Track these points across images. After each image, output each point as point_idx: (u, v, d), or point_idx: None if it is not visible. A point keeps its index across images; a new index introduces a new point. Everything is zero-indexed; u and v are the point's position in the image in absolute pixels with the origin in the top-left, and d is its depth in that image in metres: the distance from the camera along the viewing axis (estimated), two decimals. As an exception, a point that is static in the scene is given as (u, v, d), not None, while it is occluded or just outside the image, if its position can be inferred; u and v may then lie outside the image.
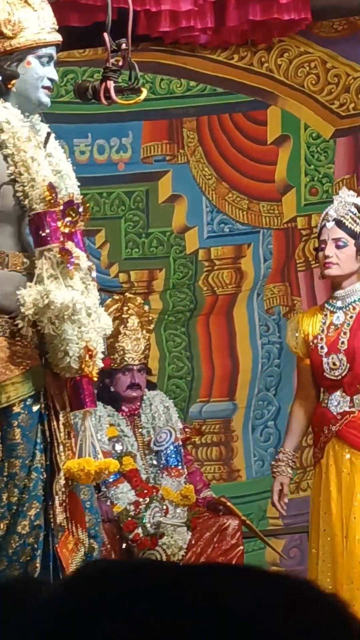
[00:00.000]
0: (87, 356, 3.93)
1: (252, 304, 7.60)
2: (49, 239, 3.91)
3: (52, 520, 3.97)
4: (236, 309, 7.59)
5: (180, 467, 6.18)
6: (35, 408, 3.97)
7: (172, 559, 5.89)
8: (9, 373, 3.95)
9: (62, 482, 3.95)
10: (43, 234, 3.91)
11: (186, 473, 6.22)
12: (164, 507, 5.95)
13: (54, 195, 3.92)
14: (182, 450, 6.30)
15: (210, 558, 6.11)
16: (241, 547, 6.32)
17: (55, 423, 3.98)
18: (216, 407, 7.58)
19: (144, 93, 4.43)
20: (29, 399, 3.98)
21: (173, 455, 6.19)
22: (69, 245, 3.96)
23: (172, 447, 6.19)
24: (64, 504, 3.98)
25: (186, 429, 6.48)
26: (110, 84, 4.13)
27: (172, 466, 6.15)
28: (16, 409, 3.94)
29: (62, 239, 3.95)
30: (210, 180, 7.50)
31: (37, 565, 3.94)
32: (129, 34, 4.20)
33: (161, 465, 6.13)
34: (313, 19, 7.12)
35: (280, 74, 7.48)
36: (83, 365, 3.90)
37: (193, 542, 6.07)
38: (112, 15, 4.34)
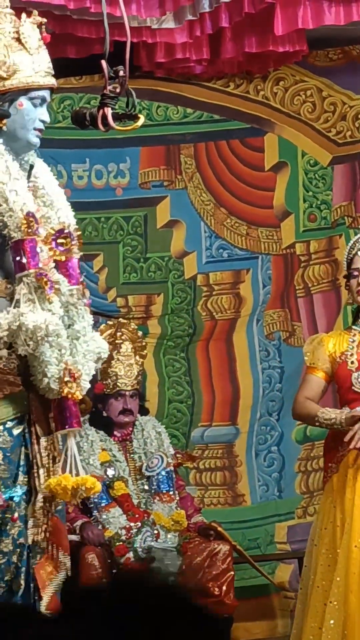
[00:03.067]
0: (70, 377, 3.90)
1: (252, 329, 7.60)
2: (27, 265, 3.89)
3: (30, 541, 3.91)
4: (235, 334, 7.58)
5: (171, 493, 6.20)
6: (16, 431, 3.94)
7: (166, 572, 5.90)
8: None
9: (39, 504, 3.90)
10: (22, 261, 3.88)
11: (177, 498, 6.24)
12: (155, 531, 5.96)
13: (32, 223, 3.90)
14: (174, 476, 6.31)
15: (201, 583, 6.10)
16: (232, 572, 6.30)
17: (37, 447, 3.93)
18: (218, 431, 7.56)
19: (141, 119, 4.29)
20: (8, 422, 3.95)
21: (165, 481, 6.21)
22: (50, 271, 3.93)
23: (163, 473, 6.21)
24: (43, 526, 3.92)
25: (177, 455, 6.49)
26: (108, 111, 4.11)
27: (164, 491, 6.17)
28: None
29: (40, 264, 3.92)
30: (208, 205, 7.52)
31: (22, 583, 3.93)
32: (126, 62, 4.18)
33: (153, 491, 6.15)
34: (309, 49, 7.09)
35: (276, 102, 7.50)
36: (63, 387, 3.87)
37: (184, 567, 6.05)
38: (110, 47, 4.34)
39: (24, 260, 3.89)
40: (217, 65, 7.19)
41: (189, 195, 7.51)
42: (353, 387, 4.99)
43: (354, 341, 5.02)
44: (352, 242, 5.15)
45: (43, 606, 3.87)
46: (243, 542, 6.98)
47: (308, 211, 7.65)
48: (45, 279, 3.86)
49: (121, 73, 4.15)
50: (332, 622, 4.82)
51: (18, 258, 3.91)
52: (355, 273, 5.01)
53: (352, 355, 4.99)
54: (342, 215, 7.54)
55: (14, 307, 3.90)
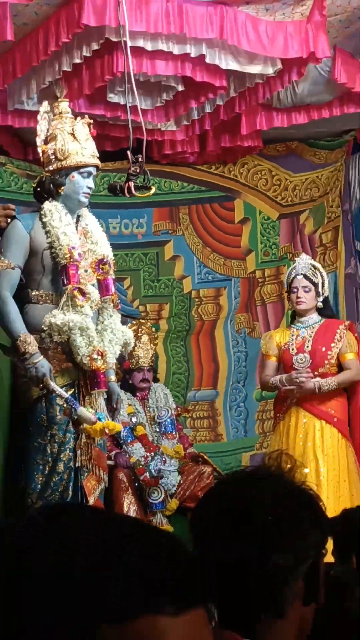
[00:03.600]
0: (98, 356, 3.83)
1: (227, 327, 7.51)
2: (67, 282, 3.85)
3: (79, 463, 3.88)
4: (216, 330, 7.51)
5: (174, 433, 6.15)
6: (69, 392, 3.87)
7: (168, 492, 5.86)
8: (56, 366, 3.86)
9: (84, 440, 3.85)
10: (64, 280, 3.86)
11: (178, 437, 6.18)
12: (164, 459, 5.91)
13: (73, 254, 3.85)
14: (176, 422, 6.26)
15: (193, 492, 6.01)
16: (210, 470, 6.25)
17: (82, 402, 3.88)
18: (204, 393, 7.49)
19: (153, 190, 4.34)
20: (66, 387, 3.88)
21: (169, 425, 6.15)
22: (87, 287, 3.91)
23: (168, 420, 6.16)
24: (88, 455, 3.87)
25: (178, 408, 6.44)
26: (131, 184, 4.13)
27: (169, 432, 6.11)
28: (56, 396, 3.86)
29: (77, 283, 3.88)
30: (198, 246, 7.45)
31: (70, 493, 3.86)
32: (143, 153, 4.22)
33: (161, 432, 6.09)
34: (263, 144, 7.07)
35: (242, 179, 7.45)
36: (92, 363, 3.82)
37: (181, 481, 6.01)
38: (133, 143, 4.34)
39: (65, 280, 3.86)
40: (203, 155, 7.13)
41: (185, 239, 7.45)
42: (294, 365, 4.86)
43: (293, 335, 4.92)
44: (290, 269, 5.07)
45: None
46: (221, 465, 6.85)
47: (263, 249, 7.57)
48: (77, 292, 3.83)
49: (140, 159, 4.20)
50: None
51: (62, 278, 3.89)
52: (294, 290, 4.92)
53: (292, 344, 4.88)
54: (286, 252, 7.48)
55: (54, 311, 3.87)
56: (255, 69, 5.71)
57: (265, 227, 7.57)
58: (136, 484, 5.87)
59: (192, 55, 5.47)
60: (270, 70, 5.76)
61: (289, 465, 1.25)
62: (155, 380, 6.45)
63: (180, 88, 6.01)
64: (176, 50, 5.39)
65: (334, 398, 4.83)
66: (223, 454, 7.26)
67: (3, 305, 3.87)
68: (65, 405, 3.86)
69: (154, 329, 6.71)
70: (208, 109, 6.34)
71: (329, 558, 1.83)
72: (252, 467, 1.44)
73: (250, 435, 7.46)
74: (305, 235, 7.62)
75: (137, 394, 6.16)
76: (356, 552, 2.01)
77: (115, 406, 4.15)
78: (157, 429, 6.13)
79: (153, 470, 5.86)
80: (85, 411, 3.88)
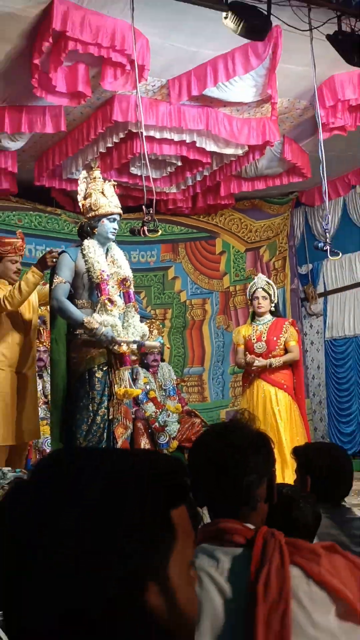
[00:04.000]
0: (124, 344, 3.72)
1: (210, 324, 7.47)
2: (100, 294, 3.76)
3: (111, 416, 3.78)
4: (203, 326, 7.46)
5: (174, 396, 6.04)
6: (104, 368, 3.76)
7: (171, 436, 5.78)
8: (92, 352, 3.77)
9: (116, 400, 3.75)
10: (98, 293, 3.77)
11: (177, 399, 6.08)
12: (168, 414, 5.83)
13: (103, 276, 3.77)
14: (176, 389, 6.16)
15: (187, 436, 5.92)
16: (199, 421, 6.18)
17: (113, 376, 3.77)
18: (195, 369, 7.42)
19: (159, 232, 4.30)
20: (102, 365, 3.76)
21: (171, 391, 6.04)
22: (114, 297, 3.81)
23: (171, 387, 6.04)
24: (118, 410, 3.77)
25: (177, 379, 6.37)
26: (145, 228, 4.06)
27: (171, 395, 6.02)
28: (95, 369, 3.76)
29: (108, 295, 3.77)
30: (191, 270, 7.40)
31: (104, 437, 3.74)
32: (153, 207, 4.15)
33: (166, 395, 5.99)
34: (235, 201, 7.06)
35: (220, 224, 7.43)
36: (120, 348, 3.71)
37: (180, 429, 5.94)
38: (146, 201, 4.29)
39: (99, 293, 3.81)
40: (194, 209, 7.11)
41: (182, 265, 7.39)
42: (255, 349, 4.73)
43: (254, 329, 4.77)
44: (251, 284, 4.89)
45: (118, 446, 3.74)
46: (206, 418, 6.81)
47: (235, 272, 7.53)
48: (108, 301, 3.78)
49: (151, 212, 4.11)
50: None
51: (97, 292, 3.82)
52: (256, 298, 4.79)
53: (253, 335, 4.74)
54: (250, 274, 7.40)
55: (94, 314, 3.76)
56: (229, 150, 5.71)
57: (236, 257, 7.54)
58: (149, 431, 5.82)
59: (187, 141, 5.48)
60: (239, 152, 5.77)
61: (250, 419, 1.35)
62: (162, 360, 6.39)
63: (179, 164, 6.01)
64: (176, 138, 5.40)
65: (282, 372, 4.72)
66: (208, 410, 7.19)
67: (62, 305, 3.78)
68: (134, 346, 3.78)
69: (161, 326, 6.68)
70: (198, 178, 6.33)
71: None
72: (228, 421, 1.46)
73: (226, 398, 7.41)
74: (264, 262, 7.59)
75: (150, 370, 6.05)
76: (310, 475, 2.00)
77: (135, 377, 4.11)
78: (163, 393, 6.04)
79: (161, 422, 5.80)
80: (150, 342, 3.85)
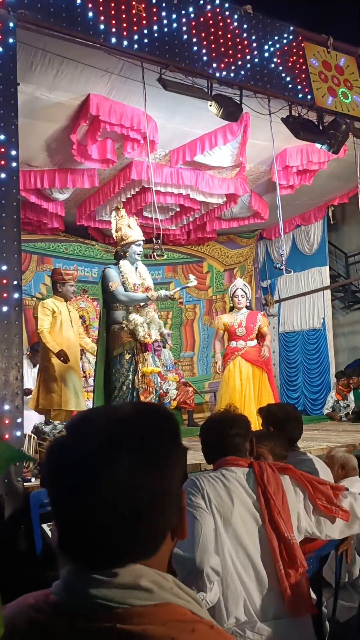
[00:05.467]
0: (148, 335, 3.59)
1: (199, 322, 7.37)
2: None
3: (137, 385, 3.62)
4: (194, 323, 7.37)
5: (173, 370, 5.98)
6: (131, 352, 3.61)
7: (171, 398, 5.67)
8: (123, 340, 3.60)
9: (140, 374, 3.60)
10: None
11: (175, 372, 6.02)
12: (169, 384, 5.73)
13: (135, 287, 3.63)
14: (174, 366, 6.13)
15: (183, 400, 5.89)
16: (193, 397, 6.13)
17: (139, 357, 3.63)
18: (188, 353, 7.32)
19: (164, 257, 4.20)
20: (129, 350, 3.61)
21: (171, 366, 6.01)
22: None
23: (170, 364, 6.00)
24: (144, 383, 3.62)
25: (174, 360, 6.33)
26: (155, 254, 3.96)
27: (171, 369, 5.96)
28: (124, 353, 3.60)
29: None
30: (186, 284, 7.35)
31: (128, 400, 3.57)
32: (160, 240, 4.09)
33: (167, 370, 5.88)
34: (217, 236, 6.94)
35: (207, 253, 7.31)
36: (145, 339, 3.59)
37: (178, 394, 5.89)
38: (154, 235, 4.22)
39: None
40: (188, 241, 6.99)
41: (180, 281, 7.29)
42: (236, 334, 4.41)
43: (234, 319, 4.43)
44: (232, 286, 4.60)
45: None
46: (196, 386, 6.84)
47: (216, 286, 7.43)
48: (139, 305, 3.70)
49: (158, 242, 4.03)
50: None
51: None
52: (237, 296, 4.48)
53: (235, 323, 4.41)
54: (226, 287, 7.31)
55: (129, 315, 3.63)
56: (213, 200, 5.65)
57: (217, 275, 7.45)
58: (157, 395, 5.80)
59: (183, 194, 5.42)
60: (220, 201, 5.72)
61: (235, 410, 1.55)
62: (165, 346, 6.35)
63: (177, 209, 5.97)
64: (175, 191, 5.34)
65: (257, 351, 4.43)
66: (196, 382, 7.13)
67: (128, 297, 3.61)
68: (177, 294, 3.64)
69: (165, 324, 6.61)
70: (191, 219, 6.27)
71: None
72: (223, 411, 1.58)
73: (208, 373, 7.33)
74: (236, 278, 7.42)
75: (156, 353, 6.02)
76: (272, 427, 1.98)
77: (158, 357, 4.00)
78: (165, 369, 5.95)
79: (164, 389, 5.65)
80: (185, 285, 3.73)
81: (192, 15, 3.63)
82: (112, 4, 3.32)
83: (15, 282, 2.79)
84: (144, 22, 3.43)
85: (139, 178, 4.97)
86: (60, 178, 4.85)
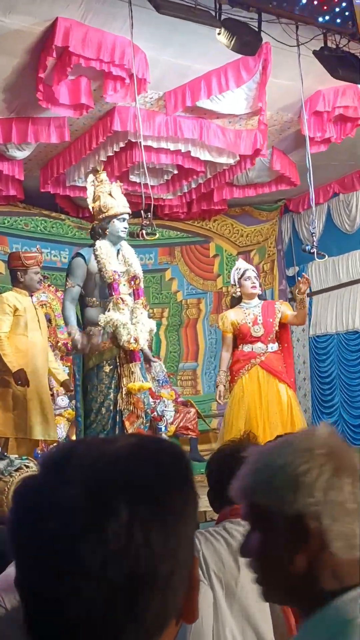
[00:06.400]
0: (134, 341, 3.68)
1: (204, 323, 7.42)
2: (113, 293, 3.75)
3: (120, 407, 3.73)
4: (198, 324, 7.42)
5: (167, 385, 6.08)
6: (112, 362, 3.74)
7: (168, 422, 5.77)
8: (101, 348, 3.72)
9: (124, 393, 3.70)
10: (111, 292, 3.75)
11: (170, 387, 6.10)
12: (165, 404, 5.80)
13: (115, 276, 3.75)
14: (169, 381, 6.20)
15: (184, 424, 5.97)
16: (196, 420, 6.19)
17: (122, 370, 3.73)
18: (190, 364, 7.40)
19: (157, 235, 4.24)
20: (110, 360, 3.73)
21: (164, 380, 6.07)
22: (124, 296, 3.78)
23: (163, 378, 6.08)
24: (131, 402, 3.72)
25: (167, 373, 6.39)
26: (143, 232, 4.01)
27: (165, 384, 6.05)
28: (103, 364, 3.72)
29: (119, 294, 3.74)
30: (187, 272, 7.36)
31: (109, 426, 3.71)
32: (151, 212, 4.12)
33: (160, 385, 5.99)
34: (228, 207, 7.01)
35: (214, 229, 7.37)
36: (129, 345, 3.67)
37: (177, 416, 5.95)
38: (145, 206, 4.23)
39: (112, 292, 3.77)
40: (189, 214, 7.05)
41: (178, 268, 7.34)
42: (252, 334, 4.32)
43: (245, 313, 4.39)
44: (234, 270, 4.56)
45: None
46: (200, 409, 6.87)
47: (227, 274, 7.40)
48: (120, 300, 3.74)
49: (149, 216, 4.07)
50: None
51: (110, 291, 3.79)
52: (248, 279, 4.44)
53: (247, 319, 4.36)
54: (241, 276, 7.45)
55: (106, 312, 3.74)
56: (222, 160, 5.66)
57: (229, 260, 7.47)
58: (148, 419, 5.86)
59: (182, 150, 5.43)
60: (231, 161, 5.72)
61: (253, 437, 1.58)
62: (155, 358, 6.37)
63: (175, 172, 5.98)
64: (172, 147, 5.34)
65: (281, 359, 4.36)
66: (200, 402, 7.17)
67: (65, 310, 3.80)
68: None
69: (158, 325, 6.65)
70: (193, 185, 6.28)
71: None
72: (235, 442, 1.66)
73: (218, 391, 7.42)
74: (254, 265, 7.44)
75: (146, 365, 6.10)
76: None
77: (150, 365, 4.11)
78: (157, 384, 6.01)
79: (159, 411, 5.75)
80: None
81: None
82: None
83: None
84: None
85: (124, 129, 4.96)
86: (18, 130, 4.83)
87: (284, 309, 4.46)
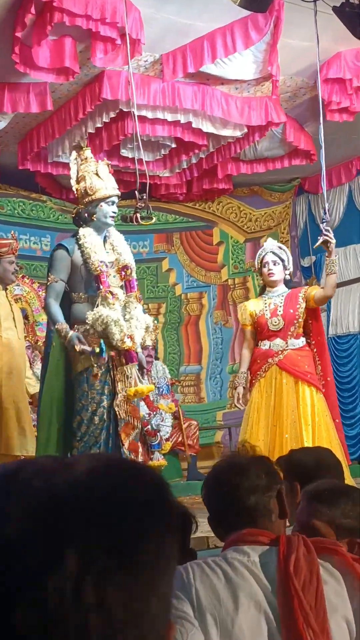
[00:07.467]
0: (129, 339, 3.69)
1: (208, 320, 7.45)
2: (100, 287, 3.75)
3: (116, 416, 3.75)
4: (200, 322, 7.45)
5: (168, 395, 6.09)
6: (105, 365, 3.73)
7: (163, 438, 5.82)
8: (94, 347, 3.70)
9: (119, 400, 3.71)
10: (99, 285, 3.77)
11: (171, 398, 6.12)
12: (162, 417, 5.84)
13: (102, 267, 3.76)
14: (170, 388, 6.20)
15: (181, 440, 6.04)
16: (197, 433, 6.26)
17: (116, 373, 3.74)
18: (192, 368, 7.42)
19: (153, 219, 4.28)
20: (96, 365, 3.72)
21: (165, 389, 6.09)
22: (114, 289, 3.79)
23: (165, 385, 6.09)
24: (124, 410, 3.72)
25: (171, 379, 6.40)
26: (138, 215, 4.03)
27: (165, 394, 6.06)
28: (94, 367, 3.71)
29: (108, 287, 3.75)
30: (186, 261, 7.39)
31: (102, 438, 3.72)
32: (147, 192, 4.14)
33: (159, 394, 6.02)
34: (233, 187, 7.02)
35: (218, 212, 7.40)
36: (122, 344, 3.68)
37: (173, 432, 6.00)
38: (138, 186, 4.24)
39: (99, 286, 3.79)
40: (189, 195, 7.07)
41: (177, 257, 7.37)
42: (269, 328, 4.27)
43: (266, 303, 4.33)
44: (260, 250, 4.50)
45: (125, 447, 3.72)
46: (202, 421, 6.87)
47: (233, 264, 7.51)
48: (109, 294, 3.75)
49: (144, 197, 4.08)
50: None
51: (97, 284, 3.80)
52: (265, 265, 4.36)
53: (266, 310, 4.30)
54: (250, 266, 7.37)
55: (95, 309, 3.76)
56: (227, 132, 5.67)
57: (235, 248, 7.51)
58: (142, 433, 5.87)
59: (182, 121, 5.44)
60: (238, 133, 5.73)
61: (251, 448, 1.52)
62: (156, 358, 6.38)
63: (173, 146, 5.98)
64: (170, 117, 5.36)
65: (308, 358, 4.26)
66: (204, 412, 7.20)
67: (48, 307, 3.82)
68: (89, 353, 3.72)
69: (155, 322, 6.62)
70: (194, 161, 6.30)
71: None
72: (232, 457, 1.61)
73: (223, 398, 7.37)
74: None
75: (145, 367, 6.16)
76: (298, 482, 1.96)
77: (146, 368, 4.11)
78: (157, 392, 6.03)
79: (154, 425, 5.77)
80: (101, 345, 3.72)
81: None
82: None
83: None
84: None
85: (114, 98, 4.97)
86: (-7, 97, 4.87)
87: (309, 293, 4.34)
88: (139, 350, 3.94)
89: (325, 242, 4.30)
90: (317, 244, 4.41)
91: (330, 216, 4.46)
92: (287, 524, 1.55)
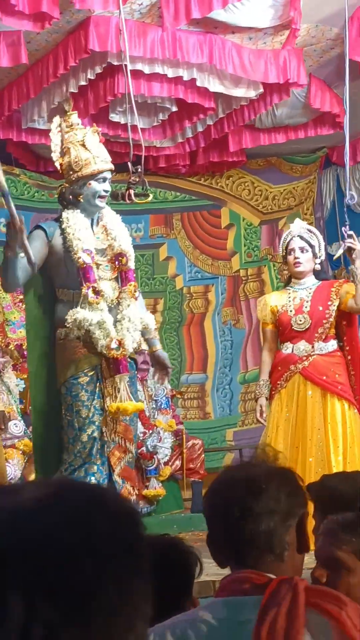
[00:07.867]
0: (117, 345, 3.70)
1: (215, 319, 7.48)
2: (83, 282, 3.77)
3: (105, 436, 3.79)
4: (205, 321, 7.47)
5: (168, 409, 6.09)
6: (90, 374, 3.76)
7: (161, 461, 5.81)
8: (79, 353, 3.76)
9: (110, 417, 3.75)
10: (81, 280, 3.77)
11: (171, 414, 6.12)
12: (159, 437, 5.83)
13: (87, 258, 3.76)
14: (170, 401, 6.21)
15: (186, 462, 6.08)
16: (203, 456, 6.26)
17: (106, 385, 3.76)
18: (195, 377, 7.44)
19: (150, 197, 4.33)
20: (86, 370, 3.77)
21: (164, 403, 6.09)
22: (103, 284, 3.81)
23: (164, 398, 6.09)
24: (113, 430, 3.77)
25: (172, 390, 6.39)
26: (131, 192, 4.05)
27: (164, 408, 6.06)
28: (82, 377, 3.77)
29: (94, 281, 3.77)
30: (189, 248, 7.42)
31: (91, 459, 3.75)
32: (142, 165, 4.17)
33: (157, 408, 6.02)
34: (247, 159, 7.05)
35: (228, 189, 7.42)
36: (110, 351, 3.70)
37: (174, 454, 5.98)
38: (132, 157, 4.28)
39: (81, 279, 3.78)
40: (193, 168, 7.09)
41: (177, 242, 7.39)
42: (293, 327, 4.25)
43: (290, 297, 4.32)
44: (286, 234, 4.47)
45: (116, 474, 3.75)
46: (208, 440, 6.91)
47: (246, 251, 7.55)
48: (91, 292, 3.75)
49: (139, 170, 4.11)
50: None
51: (79, 279, 3.79)
52: (291, 252, 4.32)
53: (290, 306, 4.28)
54: (266, 254, 7.48)
55: (71, 310, 3.79)
56: (239, 92, 5.68)
57: (248, 232, 7.53)
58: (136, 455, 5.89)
59: (185, 78, 5.45)
60: (252, 94, 5.74)
61: (273, 455, 1.47)
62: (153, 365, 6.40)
63: (174, 109, 5.99)
64: (170, 73, 5.36)
65: (340, 365, 4.24)
66: (210, 430, 7.25)
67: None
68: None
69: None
70: (200, 128, 6.31)
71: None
72: (246, 466, 1.54)
73: (234, 414, 7.41)
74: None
75: (138, 375, 6.11)
76: (332, 514, 1.94)
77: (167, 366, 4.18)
78: (154, 405, 6.04)
79: (149, 446, 5.76)
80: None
81: None
82: None
83: None
84: None
85: (102, 49, 4.95)
86: None
87: (345, 291, 4.28)
88: (158, 346, 4.05)
89: (349, 250, 4.26)
90: (338, 254, 4.40)
91: (356, 198, 4.41)
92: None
